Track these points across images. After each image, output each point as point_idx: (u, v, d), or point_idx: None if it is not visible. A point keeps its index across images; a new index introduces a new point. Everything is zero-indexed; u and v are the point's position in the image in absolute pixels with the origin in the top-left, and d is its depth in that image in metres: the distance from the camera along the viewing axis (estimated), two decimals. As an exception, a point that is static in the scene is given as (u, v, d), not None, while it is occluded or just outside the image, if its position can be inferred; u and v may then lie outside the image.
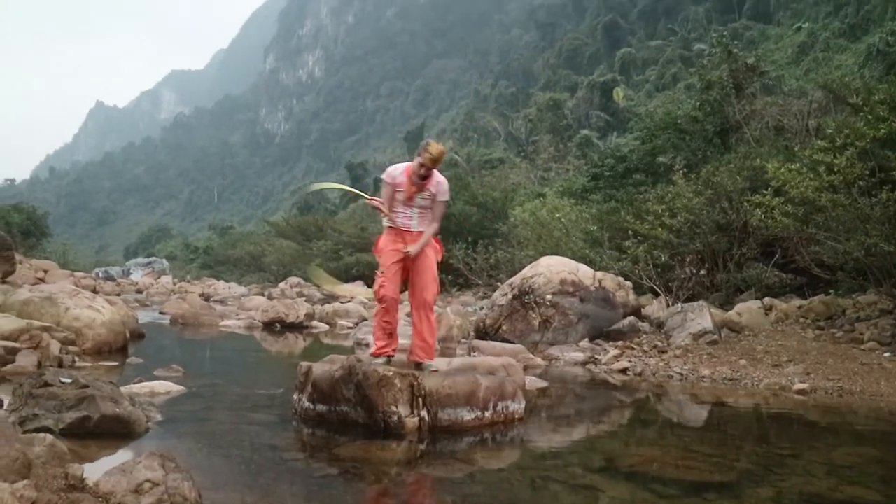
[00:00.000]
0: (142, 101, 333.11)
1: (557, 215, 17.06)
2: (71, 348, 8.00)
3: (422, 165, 5.76)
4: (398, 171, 5.89)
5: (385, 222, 5.98)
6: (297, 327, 13.97)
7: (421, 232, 5.89)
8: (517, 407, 5.34)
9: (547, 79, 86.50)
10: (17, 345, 7.16)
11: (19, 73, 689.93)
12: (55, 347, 7.38)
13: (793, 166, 9.85)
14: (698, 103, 18.25)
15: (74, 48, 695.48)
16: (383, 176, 5.96)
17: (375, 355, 5.67)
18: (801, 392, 7.02)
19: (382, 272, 5.82)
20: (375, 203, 5.99)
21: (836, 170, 9.14)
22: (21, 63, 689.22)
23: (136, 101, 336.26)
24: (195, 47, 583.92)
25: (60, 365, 7.01)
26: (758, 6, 68.61)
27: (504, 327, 10.33)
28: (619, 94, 57.20)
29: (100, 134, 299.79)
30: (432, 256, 6.00)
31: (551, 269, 10.60)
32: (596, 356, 9.28)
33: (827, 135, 10.39)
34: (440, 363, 5.70)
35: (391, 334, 5.83)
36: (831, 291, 10.77)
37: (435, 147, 5.78)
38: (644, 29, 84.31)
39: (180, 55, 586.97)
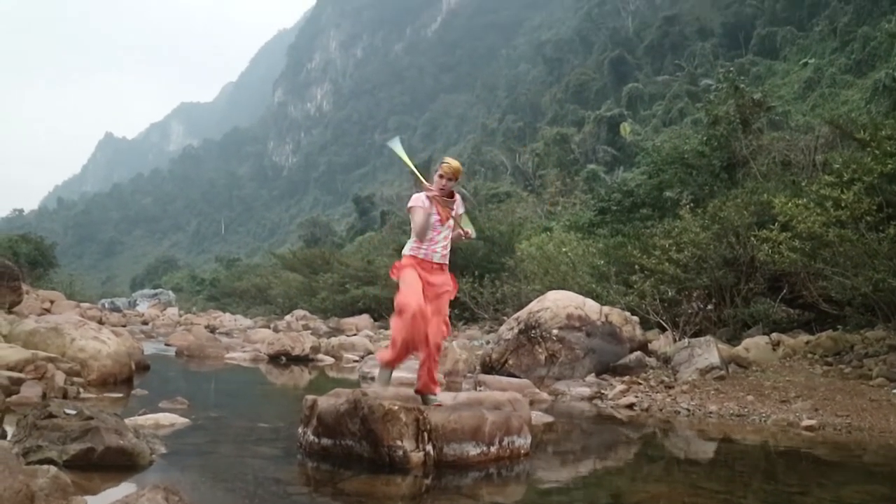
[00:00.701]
0: (151, 132, 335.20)
1: (564, 249, 17.06)
2: (76, 379, 7.97)
3: (441, 177, 5.78)
4: (424, 197, 5.86)
5: (408, 251, 5.94)
6: (302, 360, 13.93)
7: (446, 265, 5.93)
8: (523, 442, 5.30)
9: (554, 113, 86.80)
10: (22, 375, 7.14)
11: (29, 105, 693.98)
12: (60, 378, 7.36)
13: (800, 201, 9.85)
14: (705, 138, 18.28)
15: (85, 80, 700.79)
16: (414, 204, 5.89)
17: (388, 364, 5.63)
18: (809, 428, 6.96)
19: (406, 283, 5.73)
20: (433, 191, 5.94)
21: (843, 205, 9.13)
22: (31, 94, 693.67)
23: (146, 133, 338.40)
24: (204, 80, 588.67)
25: (65, 396, 6.98)
26: (764, 42, 68.91)
27: (510, 362, 10.29)
28: (625, 128, 57.34)
29: (108, 165, 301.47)
30: (446, 298, 5.99)
31: (558, 304, 10.57)
32: (602, 391, 9.23)
33: (834, 170, 10.39)
34: (445, 397, 5.67)
35: (401, 344, 5.71)
36: (839, 327, 10.72)
37: (453, 160, 5.87)
38: (651, 64, 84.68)
39: (190, 88, 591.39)
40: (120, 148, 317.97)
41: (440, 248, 5.95)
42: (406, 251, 5.96)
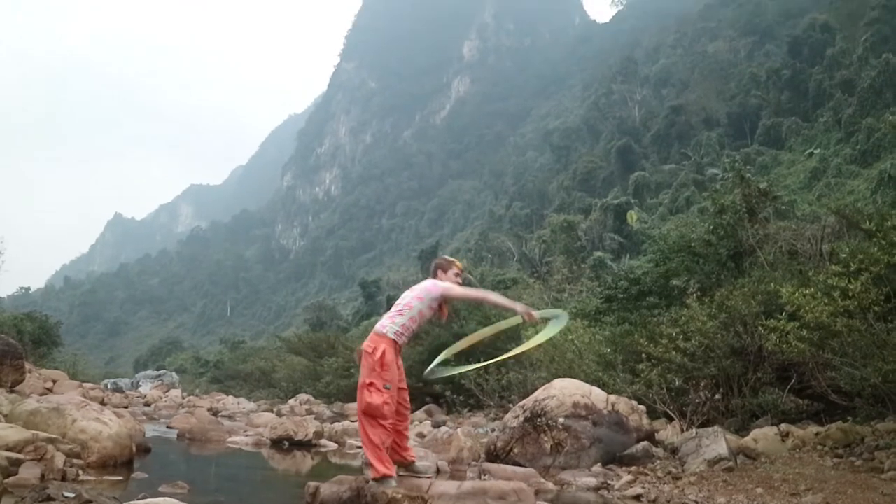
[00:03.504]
0: (160, 213, 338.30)
1: (570, 337, 16.97)
2: (76, 461, 7.89)
3: (458, 275, 6.01)
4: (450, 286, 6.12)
5: (392, 334, 5.98)
6: (305, 445, 13.77)
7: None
8: (528, 533, 5.21)
9: (561, 200, 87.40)
10: (21, 456, 7.07)
11: (40, 184, 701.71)
12: (60, 460, 7.28)
13: (807, 291, 9.82)
14: (712, 227, 18.32)
15: (96, 161, 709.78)
16: (444, 291, 6.10)
17: (385, 476, 5.57)
18: (820, 523, 6.82)
19: (388, 388, 5.77)
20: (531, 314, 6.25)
21: (850, 295, 9.11)
22: (43, 174, 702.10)
23: (155, 214, 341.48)
24: (215, 163, 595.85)
25: (64, 478, 6.90)
26: (769, 132, 69.69)
27: (515, 450, 10.17)
28: (632, 216, 57.65)
29: (116, 245, 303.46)
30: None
31: (564, 392, 10.49)
32: (609, 481, 9.09)
33: (841, 259, 10.38)
34: (450, 486, 5.60)
35: (389, 448, 5.78)
36: (849, 418, 10.60)
37: (460, 261, 6.14)
38: (657, 153, 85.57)
39: (200, 170, 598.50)
40: (128, 228, 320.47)
41: (409, 335, 6.12)
42: (389, 332, 5.98)
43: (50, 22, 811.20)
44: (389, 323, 6.09)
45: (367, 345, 6.03)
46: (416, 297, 6.16)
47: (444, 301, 6.22)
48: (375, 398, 5.75)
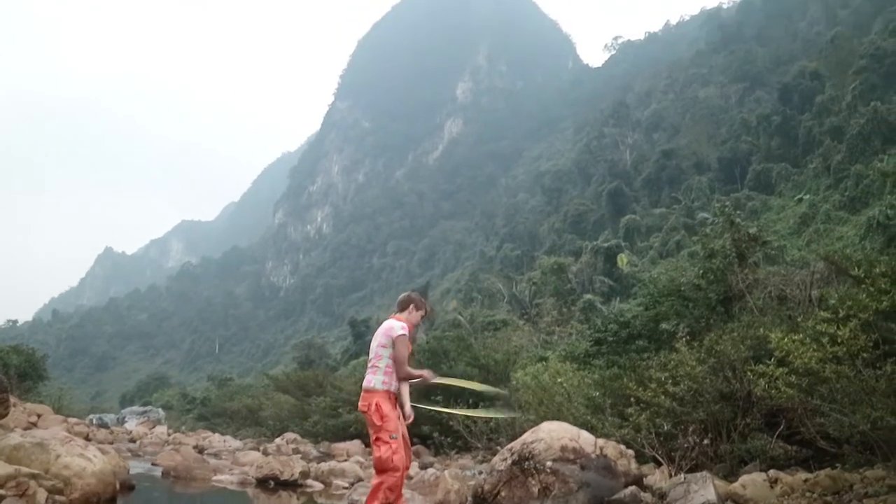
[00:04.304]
0: (150, 248, 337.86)
1: (559, 380, 16.92)
2: (58, 497, 7.80)
3: (423, 317, 5.95)
4: (406, 326, 6.03)
5: (380, 385, 5.99)
6: (290, 485, 13.66)
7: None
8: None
9: (552, 242, 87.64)
10: (2, 491, 7.00)
11: (31, 217, 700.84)
12: (42, 496, 7.21)
13: (796, 336, 9.83)
14: (701, 271, 18.36)
15: (88, 195, 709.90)
16: (403, 331, 6.03)
17: None
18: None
19: (395, 438, 5.77)
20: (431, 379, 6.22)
21: (839, 341, 9.12)
22: (33, 207, 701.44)
23: (145, 249, 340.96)
24: (207, 199, 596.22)
25: (45, 515, 6.82)
26: (759, 177, 70.10)
27: (503, 493, 10.09)
28: (622, 259, 57.78)
29: (106, 279, 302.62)
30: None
31: (552, 435, 10.44)
32: (596, 526, 9.03)
33: (830, 306, 10.42)
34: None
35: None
36: (838, 465, 10.56)
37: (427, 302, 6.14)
38: (648, 196, 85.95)
39: (191, 206, 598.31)
40: (118, 262, 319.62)
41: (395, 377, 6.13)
42: (377, 386, 6.00)
43: (44, 59, 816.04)
44: (372, 377, 6.12)
45: (361, 404, 6.10)
46: (380, 345, 6.19)
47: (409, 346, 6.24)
48: (384, 451, 5.77)
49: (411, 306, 6.29)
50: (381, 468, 5.77)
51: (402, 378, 6.09)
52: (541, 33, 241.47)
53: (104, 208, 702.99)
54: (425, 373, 6.31)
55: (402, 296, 6.58)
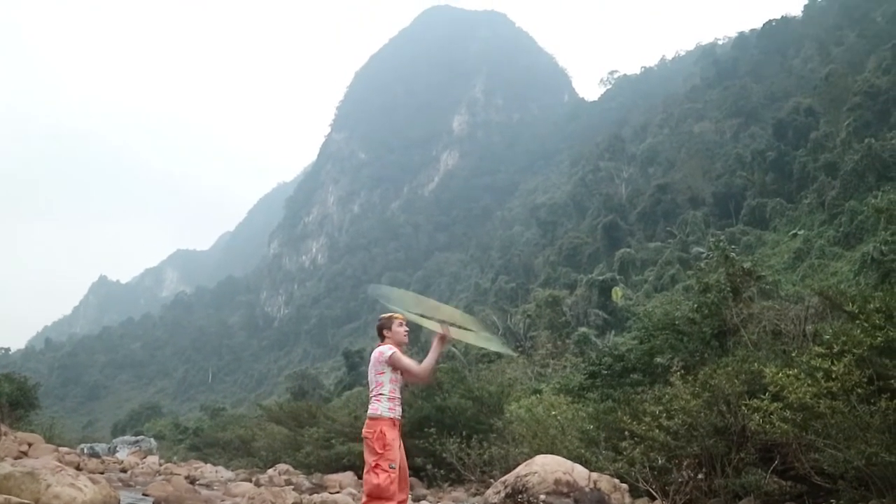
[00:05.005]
0: (145, 277, 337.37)
1: (553, 412, 16.90)
2: (47, 528, 7.75)
3: (401, 324, 6.07)
4: (394, 347, 6.07)
5: (387, 413, 6.00)
6: (282, 516, 13.55)
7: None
8: None
9: (547, 275, 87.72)
10: (-8, 521, 6.95)
11: (24, 246, 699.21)
12: (31, 526, 7.16)
13: (791, 371, 9.83)
14: (696, 305, 18.35)
15: (82, 223, 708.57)
16: (393, 350, 6.07)
17: None
18: None
19: (393, 468, 5.79)
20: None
21: (834, 376, 9.12)
22: (27, 235, 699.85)
23: (139, 278, 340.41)
24: (202, 229, 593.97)
25: (35, 545, 6.77)
26: (754, 212, 70.37)
27: (496, 525, 10.05)
28: (617, 293, 57.79)
29: (100, 308, 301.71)
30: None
31: (546, 468, 10.41)
32: (590, 560, 8.98)
33: (824, 341, 10.41)
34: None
35: None
36: (833, 501, 10.52)
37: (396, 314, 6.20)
38: (643, 230, 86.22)
39: (186, 236, 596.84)
40: (112, 291, 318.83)
41: (399, 402, 6.13)
42: (384, 413, 6.00)
43: (38, 88, 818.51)
44: (378, 404, 6.15)
45: (365, 431, 6.13)
46: (377, 373, 6.22)
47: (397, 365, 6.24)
48: (382, 479, 5.79)
49: (384, 333, 6.34)
50: (377, 495, 5.77)
51: (427, 375, 6.18)
52: (537, 67, 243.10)
53: (99, 237, 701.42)
54: (440, 336, 6.33)
55: (376, 326, 6.63)
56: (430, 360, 6.17)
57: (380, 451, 5.90)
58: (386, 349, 6.23)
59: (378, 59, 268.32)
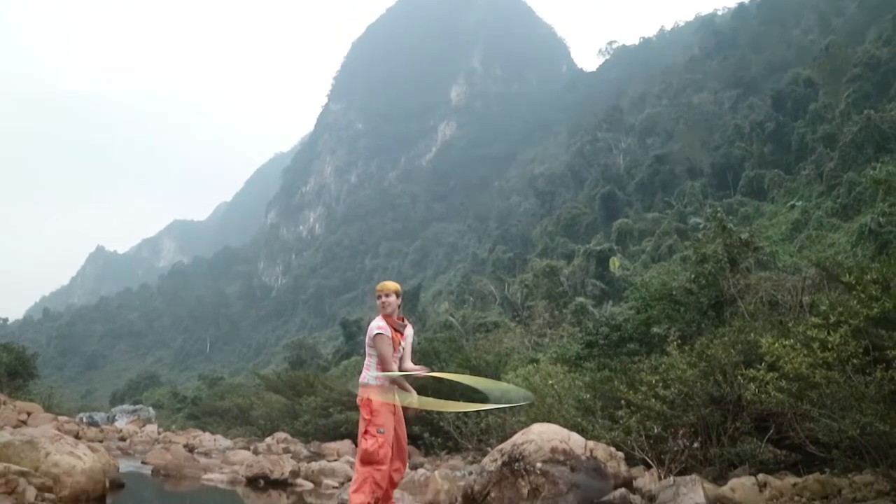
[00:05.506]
0: (142, 248, 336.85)
1: (550, 382, 16.92)
2: (47, 495, 7.80)
3: (378, 297, 6.08)
4: (384, 323, 6.06)
5: (373, 380, 6.03)
6: (280, 484, 13.64)
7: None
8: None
9: (544, 245, 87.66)
10: (-8, 488, 6.99)
11: (21, 215, 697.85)
12: (31, 493, 7.20)
13: (787, 342, 9.84)
14: (693, 276, 18.38)
15: (79, 194, 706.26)
16: (380, 331, 6.05)
17: None
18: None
19: (382, 432, 5.83)
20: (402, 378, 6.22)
21: (829, 347, 9.14)
22: (24, 205, 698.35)
23: (137, 248, 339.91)
24: (199, 199, 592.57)
25: (35, 511, 6.81)
26: (752, 184, 70.26)
27: (492, 494, 10.10)
28: (615, 263, 57.80)
29: (97, 278, 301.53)
30: (403, 421, 6.18)
31: (542, 437, 10.44)
32: (586, 528, 9.04)
33: (820, 312, 10.43)
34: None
35: (379, 499, 5.80)
36: (827, 470, 10.59)
37: (383, 283, 6.19)
38: (641, 201, 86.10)
39: (184, 206, 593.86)
40: (110, 261, 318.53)
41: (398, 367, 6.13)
42: (370, 381, 6.05)
43: (33, 53, 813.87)
44: (366, 372, 6.22)
45: (358, 399, 6.18)
46: (368, 346, 6.29)
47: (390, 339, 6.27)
48: (370, 444, 5.85)
49: (377, 303, 6.38)
50: (367, 460, 5.84)
51: (388, 376, 6.16)
52: (535, 37, 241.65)
53: (96, 207, 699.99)
54: (417, 370, 6.35)
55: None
56: (395, 376, 6.18)
57: (367, 418, 6.00)
58: (374, 326, 6.28)
59: (376, 29, 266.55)
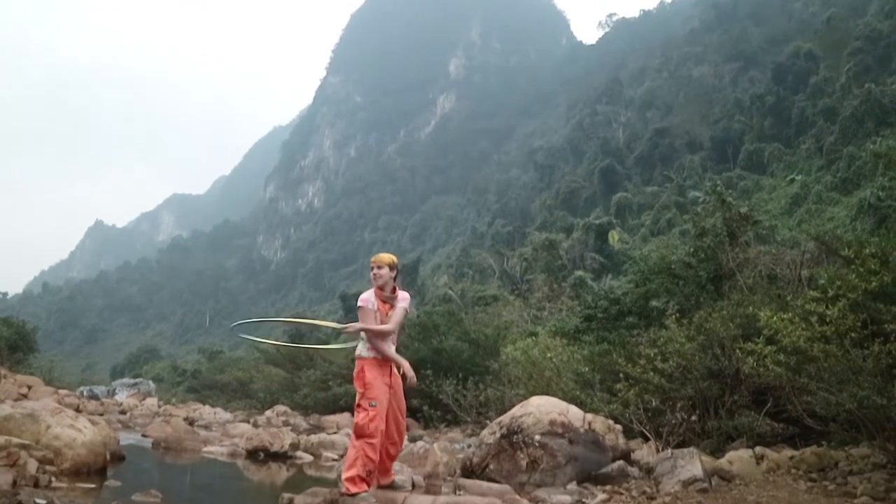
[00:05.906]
0: (141, 222, 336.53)
1: (549, 355, 16.95)
2: (48, 468, 7.83)
3: (371, 269, 6.07)
4: (371, 296, 6.05)
5: (366, 353, 6.04)
6: (280, 457, 13.70)
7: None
8: (502, 549, 5.21)
9: (543, 219, 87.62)
10: (-7, 461, 7.02)
11: (20, 189, 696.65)
12: (32, 466, 7.23)
13: (785, 315, 9.86)
14: (692, 249, 18.35)
15: (78, 167, 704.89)
16: (362, 303, 6.06)
17: (357, 493, 5.60)
18: (792, 547, 6.84)
19: (374, 406, 5.83)
20: (355, 327, 6.12)
21: (828, 321, 9.15)
22: (23, 178, 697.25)
23: (136, 222, 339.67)
24: (198, 173, 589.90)
25: (36, 485, 6.85)
26: (752, 157, 70.15)
27: (491, 466, 10.14)
28: (614, 236, 57.86)
29: (96, 252, 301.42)
30: (402, 394, 6.17)
31: (541, 409, 10.48)
32: (583, 500, 9.07)
33: (819, 285, 10.44)
34: (425, 501, 5.60)
35: (372, 472, 5.81)
36: (824, 443, 10.64)
37: (377, 255, 6.17)
38: (640, 175, 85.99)
39: (182, 179, 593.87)
40: (109, 236, 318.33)
41: (392, 343, 6.12)
42: (363, 353, 6.05)
43: (32, 22, 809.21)
44: (360, 344, 6.22)
45: (355, 372, 6.20)
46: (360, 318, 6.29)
47: (375, 312, 6.26)
48: (361, 417, 5.86)
49: (370, 274, 6.38)
50: (359, 434, 5.87)
51: (377, 345, 6.16)
52: (534, 10, 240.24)
53: (94, 181, 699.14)
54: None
55: None
56: (388, 352, 6.15)
57: (360, 390, 6.00)
58: (359, 300, 6.29)
59: (374, 2, 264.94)
